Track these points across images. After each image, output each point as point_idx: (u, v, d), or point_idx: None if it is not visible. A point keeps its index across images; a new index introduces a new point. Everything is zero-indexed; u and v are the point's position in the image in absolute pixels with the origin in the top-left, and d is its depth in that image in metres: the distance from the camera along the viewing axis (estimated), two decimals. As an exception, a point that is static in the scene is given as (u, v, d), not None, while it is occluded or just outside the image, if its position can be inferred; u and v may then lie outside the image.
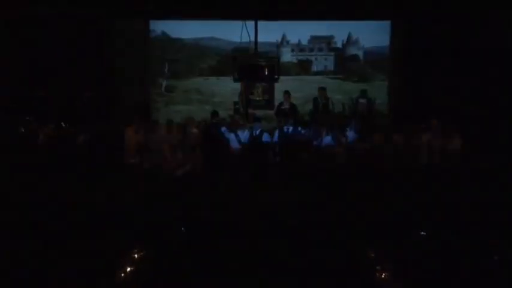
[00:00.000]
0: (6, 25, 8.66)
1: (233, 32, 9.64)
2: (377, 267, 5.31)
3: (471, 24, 9.11)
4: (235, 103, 10.08)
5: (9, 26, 8.71)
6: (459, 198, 6.98)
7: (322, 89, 9.72)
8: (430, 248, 5.87)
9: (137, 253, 5.70)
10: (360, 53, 10.82)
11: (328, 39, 10.88)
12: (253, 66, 8.73)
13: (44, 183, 7.43)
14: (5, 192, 7.05)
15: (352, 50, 10.82)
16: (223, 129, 8.60)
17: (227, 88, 10.36)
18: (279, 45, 10.77)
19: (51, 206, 6.77)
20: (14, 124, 8.30)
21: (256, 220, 6.72)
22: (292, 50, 10.88)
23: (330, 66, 10.90)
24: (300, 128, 8.45)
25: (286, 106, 9.44)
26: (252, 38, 9.09)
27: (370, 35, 10.59)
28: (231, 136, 8.39)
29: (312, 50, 10.91)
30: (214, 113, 9.18)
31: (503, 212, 6.62)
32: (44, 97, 9.31)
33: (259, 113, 9.80)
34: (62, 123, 8.54)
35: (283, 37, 10.79)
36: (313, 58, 10.89)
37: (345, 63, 10.86)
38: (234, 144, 8.32)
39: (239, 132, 8.45)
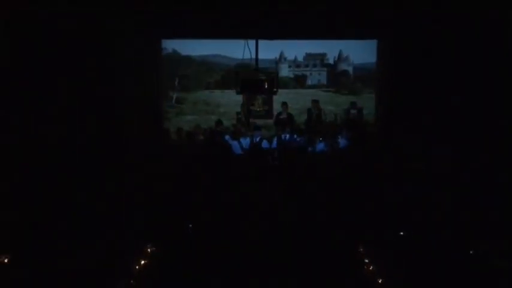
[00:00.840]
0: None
1: (236, 50, 9.69)
2: (366, 261, 5.34)
3: (452, 41, 9.12)
4: (238, 113, 10.09)
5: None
6: (444, 199, 6.99)
7: (315, 101, 9.79)
8: (416, 244, 5.89)
9: (150, 248, 5.73)
10: (350, 69, 10.86)
11: (321, 56, 10.93)
12: (254, 81, 8.76)
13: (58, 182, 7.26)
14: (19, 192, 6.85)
15: (342, 66, 10.86)
16: (227, 137, 8.61)
17: (231, 100, 10.39)
18: (277, 62, 10.81)
19: (62, 206, 6.68)
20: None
21: (256, 218, 6.73)
22: (289, 66, 10.93)
23: (323, 80, 10.95)
24: (296, 136, 8.46)
25: (284, 116, 9.47)
26: (253, 55, 9.12)
27: (359, 52, 10.62)
28: (234, 143, 8.40)
29: (307, 66, 10.96)
30: (219, 122, 9.21)
31: (488, 212, 6.62)
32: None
33: (259, 122, 9.82)
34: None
35: (281, 54, 10.83)
36: (308, 73, 10.93)
37: (337, 77, 10.90)
38: (237, 150, 8.33)
39: (241, 139, 8.47)
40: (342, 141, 8.34)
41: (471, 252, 5.50)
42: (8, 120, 7.47)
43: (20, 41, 7.78)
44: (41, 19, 7.71)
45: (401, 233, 6.01)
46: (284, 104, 9.59)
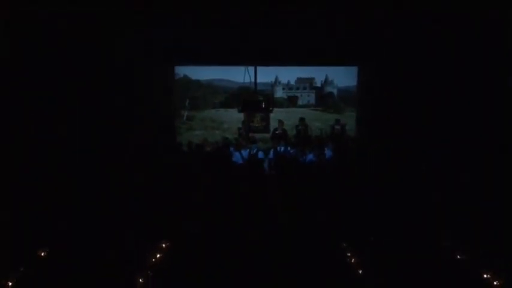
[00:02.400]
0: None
1: (238, 75, 9.81)
2: (348, 254, 5.38)
3: (420, 66, 9.25)
4: (240, 128, 10.13)
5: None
6: (411, 202, 7.03)
7: (302, 119, 9.84)
8: (391, 242, 5.92)
9: (165, 243, 5.74)
10: (335, 91, 10.90)
11: (310, 80, 10.97)
12: (253, 101, 8.89)
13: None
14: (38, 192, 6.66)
15: (328, 89, 10.91)
16: (232, 148, 8.66)
17: (233, 117, 10.41)
18: (273, 85, 10.86)
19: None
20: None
21: (253, 217, 6.75)
22: (283, 89, 10.96)
23: (312, 101, 10.97)
24: (289, 148, 8.51)
25: (279, 131, 9.51)
26: (252, 79, 9.25)
27: (342, 77, 10.70)
28: (236, 154, 8.45)
29: (298, 88, 11.00)
30: (226, 138, 9.27)
31: (457, 212, 6.64)
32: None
33: (258, 136, 9.88)
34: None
35: (276, 78, 10.88)
36: (299, 95, 10.98)
37: (323, 98, 10.92)
38: (239, 160, 8.38)
39: (242, 151, 8.52)
40: (327, 153, 8.39)
41: (439, 249, 5.55)
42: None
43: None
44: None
45: (372, 238, 6.01)
46: (280, 121, 9.64)
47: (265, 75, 10.13)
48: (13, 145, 6.90)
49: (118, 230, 6.21)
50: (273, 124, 10.00)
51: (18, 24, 6.84)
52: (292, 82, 10.96)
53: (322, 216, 6.76)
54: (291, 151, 8.39)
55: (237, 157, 8.43)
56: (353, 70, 10.53)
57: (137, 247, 5.60)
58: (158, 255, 5.42)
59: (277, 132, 9.54)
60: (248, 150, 8.47)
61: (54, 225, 6.18)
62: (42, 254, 5.42)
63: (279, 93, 10.91)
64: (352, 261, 5.21)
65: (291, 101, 10.94)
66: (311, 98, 10.96)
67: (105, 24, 7.35)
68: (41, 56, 7.58)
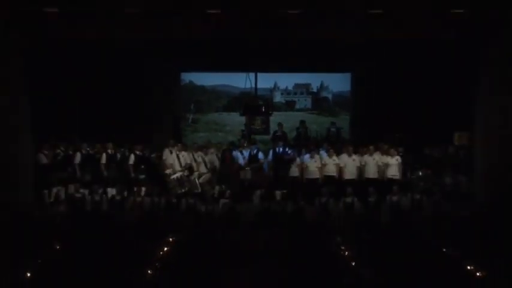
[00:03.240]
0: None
1: (240, 81, 9.87)
2: (342, 248, 5.45)
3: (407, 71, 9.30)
4: (243, 130, 10.16)
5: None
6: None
7: (302, 122, 9.87)
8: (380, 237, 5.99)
9: (171, 238, 5.81)
10: (330, 96, 10.95)
11: (307, 86, 11.01)
12: (254, 105, 8.94)
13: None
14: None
15: (324, 94, 10.95)
16: (236, 151, 8.67)
17: (235, 120, 10.46)
18: (272, 90, 10.89)
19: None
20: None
21: (253, 213, 6.82)
22: (282, 94, 11.00)
23: (308, 105, 11.01)
24: (287, 149, 8.55)
25: (279, 133, 9.52)
26: (253, 85, 9.29)
27: (337, 83, 10.76)
28: (239, 155, 8.50)
29: (295, 93, 11.04)
30: (231, 143, 9.32)
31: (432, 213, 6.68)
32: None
33: (258, 137, 9.93)
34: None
35: (275, 84, 10.91)
36: (296, 99, 11.02)
37: (319, 103, 10.97)
38: (240, 160, 8.44)
39: (243, 151, 8.56)
40: (322, 153, 8.42)
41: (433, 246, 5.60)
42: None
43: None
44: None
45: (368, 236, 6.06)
46: (280, 124, 9.64)
47: (265, 81, 10.19)
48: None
49: (126, 226, 6.29)
50: (273, 127, 10.05)
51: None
52: (290, 87, 11.00)
53: (318, 211, 6.83)
54: (289, 151, 8.43)
55: (239, 157, 8.47)
56: (347, 76, 10.60)
57: (146, 241, 5.68)
58: (166, 249, 5.49)
59: (277, 134, 9.57)
60: (249, 150, 8.52)
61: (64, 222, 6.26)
62: (58, 247, 5.51)
63: (278, 97, 10.96)
64: (346, 254, 5.28)
65: (289, 105, 10.99)
66: (307, 102, 11.00)
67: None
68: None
